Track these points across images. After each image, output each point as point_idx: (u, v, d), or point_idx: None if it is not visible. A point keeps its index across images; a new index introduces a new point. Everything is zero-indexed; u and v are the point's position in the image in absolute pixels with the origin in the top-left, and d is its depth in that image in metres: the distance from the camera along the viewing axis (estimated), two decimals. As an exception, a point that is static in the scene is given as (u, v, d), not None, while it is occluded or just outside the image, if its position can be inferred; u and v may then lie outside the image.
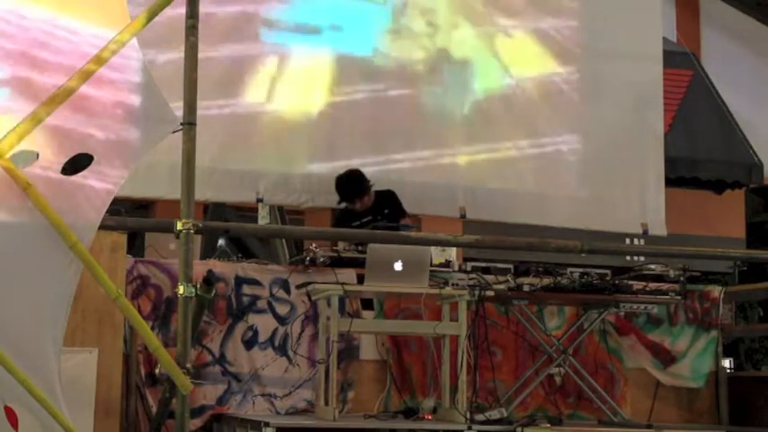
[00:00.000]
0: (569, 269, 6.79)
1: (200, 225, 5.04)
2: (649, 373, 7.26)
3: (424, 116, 8.13)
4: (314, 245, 6.60)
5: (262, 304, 6.52)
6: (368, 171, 7.59)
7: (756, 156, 10.16)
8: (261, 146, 7.71)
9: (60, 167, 4.18)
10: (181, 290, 4.45)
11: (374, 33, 8.07)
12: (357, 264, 6.41)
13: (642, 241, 8.70)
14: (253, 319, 6.49)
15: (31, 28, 4.20)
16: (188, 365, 4.41)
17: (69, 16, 4.27)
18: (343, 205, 7.48)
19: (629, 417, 7.01)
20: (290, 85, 7.81)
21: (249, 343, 6.46)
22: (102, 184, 4.23)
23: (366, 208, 7.42)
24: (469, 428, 5.97)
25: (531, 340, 6.95)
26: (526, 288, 6.63)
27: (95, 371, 5.44)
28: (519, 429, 6.07)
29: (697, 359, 7.35)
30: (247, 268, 6.58)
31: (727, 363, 7.98)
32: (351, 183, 7.42)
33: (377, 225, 7.09)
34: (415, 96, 8.14)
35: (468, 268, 6.68)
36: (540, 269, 6.78)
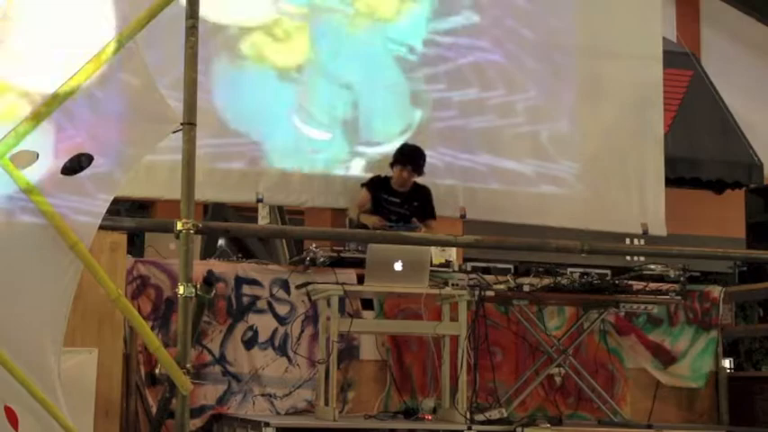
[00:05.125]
0: (569, 269, 6.80)
1: (200, 225, 5.04)
2: (649, 373, 7.26)
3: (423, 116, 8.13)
4: (314, 245, 6.60)
5: (262, 304, 6.52)
6: (369, 171, 7.60)
7: (756, 156, 10.16)
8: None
9: (60, 168, 4.19)
10: (181, 290, 4.45)
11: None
12: (357, 264, 6.41)
13: (642, 241, 8.70)
14: (253, 319, 6.49)
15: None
16: (188, 365, 4.41)
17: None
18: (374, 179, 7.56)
19: (629, 417, 7.01)
20: (291, 85, 7.81)
21: (249, 343, 6.46)
22: (102, 184, 4.24)
23: (404, 189, 7.46)
24: (469, 428, 5.97)
25: (531, 340, 6.94)
26: (526, 288, 6.62)
27: (95, 371, 5.43)
28: (519, 429, 6.07)
29: (697, 359, 7.35)
30: (247, 268, 6.58)
31: (727, 363, 7.98)
32: (421, 152, 7.48)
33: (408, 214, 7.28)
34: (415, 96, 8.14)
35: (468, 268, 6.69)
36: (541, 269, 6.79)
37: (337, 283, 6.11)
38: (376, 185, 7.50)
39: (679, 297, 6.92)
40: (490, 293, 6.47)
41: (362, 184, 7.58)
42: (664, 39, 9.01)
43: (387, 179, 7.51)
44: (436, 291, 6.21)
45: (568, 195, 8.32)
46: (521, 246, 7.15)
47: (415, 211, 7.45)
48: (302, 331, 6.56)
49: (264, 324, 6.50)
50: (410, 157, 7.45)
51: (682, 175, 9.77)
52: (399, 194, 7.46)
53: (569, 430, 6.35)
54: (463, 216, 8.08)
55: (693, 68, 10.30)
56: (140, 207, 8.96)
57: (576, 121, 8.45)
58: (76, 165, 4.23)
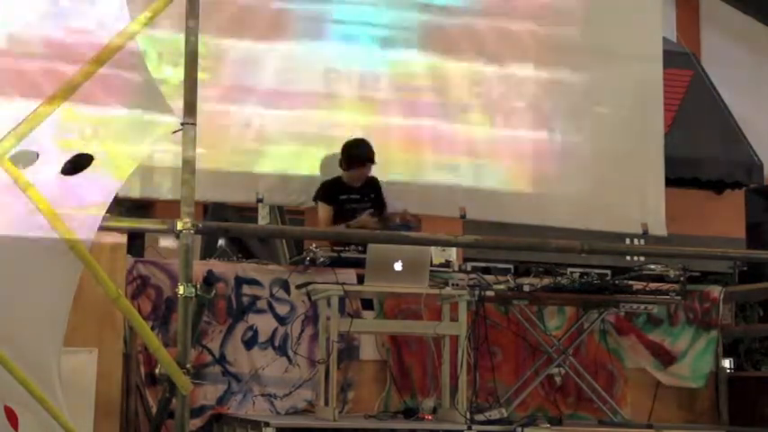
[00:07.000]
0: (569, 269, 6.79)
1: (200, 225, 5.04)
2: (649, 373, 7.26)
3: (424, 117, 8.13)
4: (314, 245, 6.60)
5: (262, 304, 6.51)
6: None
7: (756, 156, 10.18)
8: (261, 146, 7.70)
9: (61, 167, 4.19)
10: (181, 290, 4.45)
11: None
12: (357, 264, 6.41)
13: (642, 241, 8.69)
14: (253, 319, 6.49)
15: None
16: (188, 365, 4.42)
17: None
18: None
19: (629, 417, 7.00)
20: (291, 86, 7.81)
21: (249, 343, 6.46)
22: (102, 184, 4.24)
23: (359, 184, 7.40)
24: (469, 428, 5.97)
25: (531, 340, 6.94)
26: (526, 288, 6.62)
27: (95, 371, 5.43)
28: (519, 429, 6.07)
29: (697, 359, 7.35)
30: (247, 268, 6.58)
31: (727, 363, 7.97)
32: (367, 146, 7.37)
33: (369, 211, 7.18)
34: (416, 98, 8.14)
35: (468, 268, 6.68)
36: (541, 269, 6.78)
37: (337, 283, 6.11)
38: (331, 191, 7.39)
39: (679, 297, 6.92)
40: (490, 293, 6.47)
41: (315, 199, 7.43)
42: (664, 39, 9.00)
43: (337, 180, 7.43)
44: (436, 291, 6.21)
45: (568, 195, 8.31)
46: (521, 246, 7.15)
47: (372, 202, 7.41)
48: (302, 331, 6.55)
49: (264, 324, 6.50)
50: (368, 153, 7.34)
51: (682, 175, 9.78)
52: (357, 190, 7.40)
53: (569, 430, 6.35)
54: (463, 216, 8.08)
55: (693, 68, 10.32)
56: (140, 207, 8.94)
57: (576, 120, 8.45)
58: (76, 165, 4.23)
